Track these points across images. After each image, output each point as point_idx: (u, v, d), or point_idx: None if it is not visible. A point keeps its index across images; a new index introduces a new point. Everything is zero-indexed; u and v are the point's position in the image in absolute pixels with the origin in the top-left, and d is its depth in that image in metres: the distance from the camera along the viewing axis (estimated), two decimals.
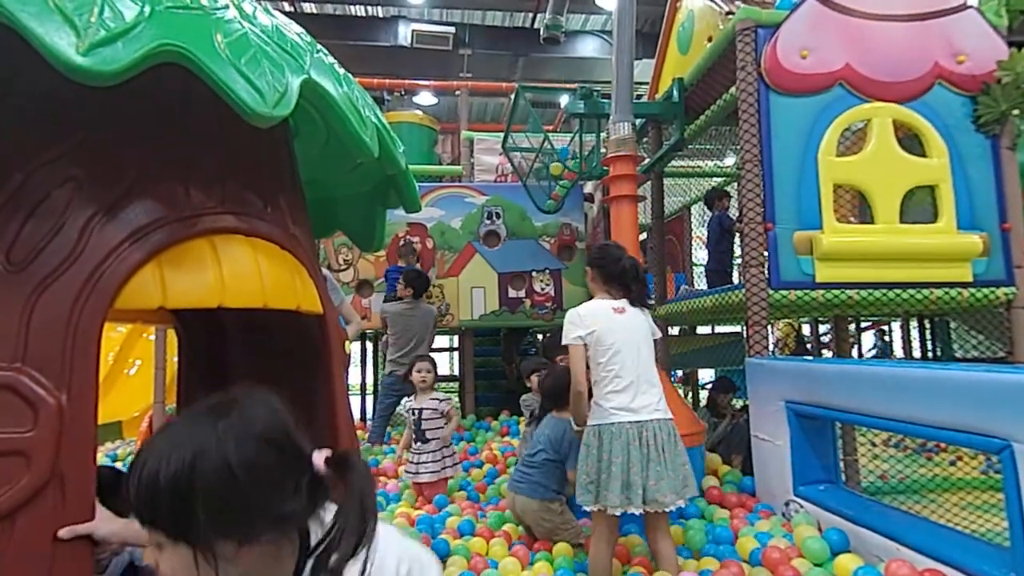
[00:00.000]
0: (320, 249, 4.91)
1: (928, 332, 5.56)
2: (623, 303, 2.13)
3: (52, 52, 0.86)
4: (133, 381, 5.75)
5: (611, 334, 2.07)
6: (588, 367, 2.09)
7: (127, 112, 1.17)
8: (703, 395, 5.69)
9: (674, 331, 5.75)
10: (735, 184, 4.64)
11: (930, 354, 5.50)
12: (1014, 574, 1.59)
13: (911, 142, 3.00)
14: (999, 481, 2.05)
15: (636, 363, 2.05)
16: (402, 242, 4.96)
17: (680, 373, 6.46)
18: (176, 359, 2.02)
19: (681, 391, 5.76)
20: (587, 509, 2.05)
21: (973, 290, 2.90)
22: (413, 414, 3.20)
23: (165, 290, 1.11)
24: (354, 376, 6.16)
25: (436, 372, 3.35)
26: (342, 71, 1.38)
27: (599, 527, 2.04)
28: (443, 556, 2.29)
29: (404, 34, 8.89)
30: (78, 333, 1.03)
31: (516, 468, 2.65)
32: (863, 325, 7.25)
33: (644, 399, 2.01)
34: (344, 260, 5.07)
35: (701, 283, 5.42)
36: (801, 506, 2.40)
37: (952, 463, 3.98)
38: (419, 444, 3.16)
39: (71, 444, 1.00)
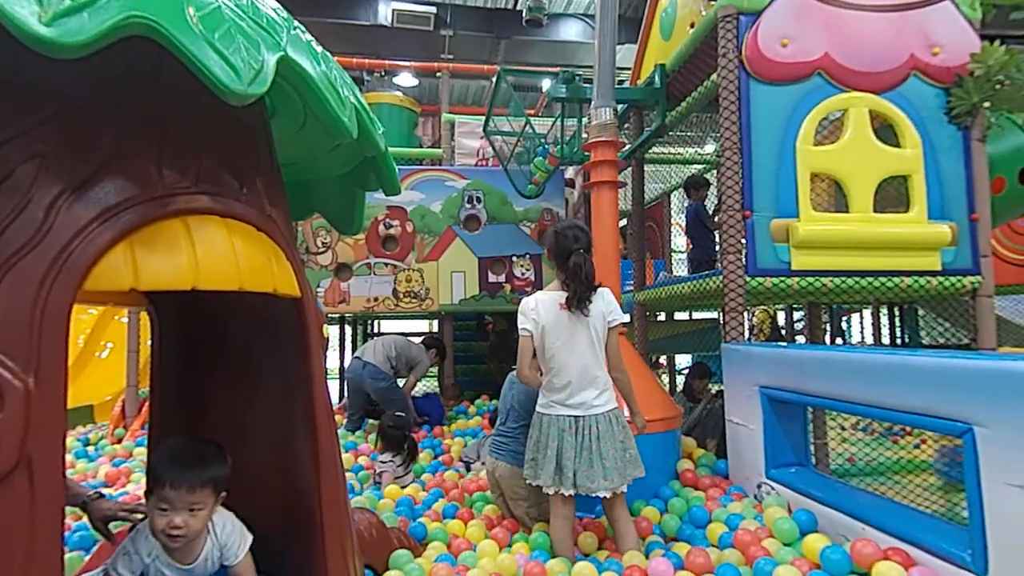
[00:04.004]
0: (298, 232, 4.85)
1: (898, 319, 5.71)
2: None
3: (13, 21, 0.83)
4: (105, 364, 5.63)
5: (554, 332, 2.11)
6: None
7: (97, 87, 1.13)
8: (680, 380, 5.78)
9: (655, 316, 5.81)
10: (714, 172, 4.68)
11: (899, 340, 5.66)
12: (971, 551, 1.65)
13: (886, 132, 3.05)
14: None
15: (576, 362, 2.10)
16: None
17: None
18: (150, 342, 1.98)
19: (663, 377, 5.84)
20: (528, 483, 2.20)
21: (942, 278, 2.98)
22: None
23: (137, 272, 1.08)
24: (332, 360, 6.12)
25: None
26: (320, 49, 1.35)
27: (555, 505, 2.14)
28: (420, 539, 2.31)
29: (384, 13, 8.73)
30: (45, 315, 1.00)
31: (493, 435, 2.65)
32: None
33: (582, 396, 2.09)
34: (322, 243, 5.01)
35: (680, 269, 5.49)
36: (772, 488, 2.47)
37: (916, 446, 4.12)
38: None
39: (39, 428, 0.97)
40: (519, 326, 2.15)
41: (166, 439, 1.77)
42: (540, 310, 2.13)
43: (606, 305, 2.16)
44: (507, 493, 2.48)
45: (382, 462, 3.19)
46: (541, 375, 2.19)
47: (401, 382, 4.33)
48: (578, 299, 2.08)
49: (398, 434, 3.33)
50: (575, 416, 2.07)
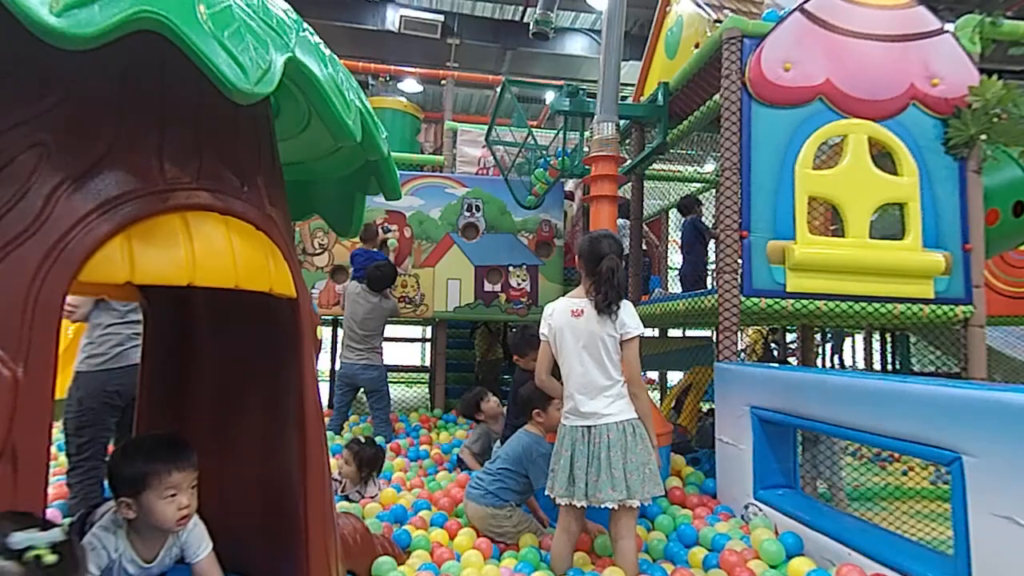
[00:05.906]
0: (295, 232, 4.83)
1: (889, 345, 5.74)
2: (584, 304, 2.12)
3: (24, 11, 0.83)
4: None
5: (562, 338, 2.14)
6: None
7: (101, 79, 1.13)
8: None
9: (648, 332, 5.81)
10: (711, 191, 4.71)
11: (890, 367, 5.68)
12: None
13: (883, 160, 3.08)
14: (947, 492, 2.13)
15: (579, 370, 2.09)
16: (378, 229, 4.90)
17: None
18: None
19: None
20: (547, 495, 2.17)
21: (934, 307, 3.00)
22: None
23: (133, 265, 1.08)
24: (323, 362, 6.08)
25: (360, 460, 2.92)
26: (328, 52, 1.36)
27: (562, 517, 2.12)
28: (404, 547, 2.28)
29: (392, 19, 8.78)
30: (38, 304, 0.99)
31: (475, 475, 2.66)
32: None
33: (591, 406, 2.07)
34: (319, 244, 5.01)
35: (675, 286, 5.50)
36: (760, 509, 2.46)
37: (904, 473, 4.12)
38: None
39: (26, 418, 0.97)
40: (540, 330, 2.23)
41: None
42: (555, 315, 2.18)
43: (621, 316, 2.12)
44: (484, 533, 2.44)
45: (371, 497, 2.89)
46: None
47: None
48: (607, 303, 2.06)
49: (373, 451, 3.00)
50: (587, 426, 2.06)
